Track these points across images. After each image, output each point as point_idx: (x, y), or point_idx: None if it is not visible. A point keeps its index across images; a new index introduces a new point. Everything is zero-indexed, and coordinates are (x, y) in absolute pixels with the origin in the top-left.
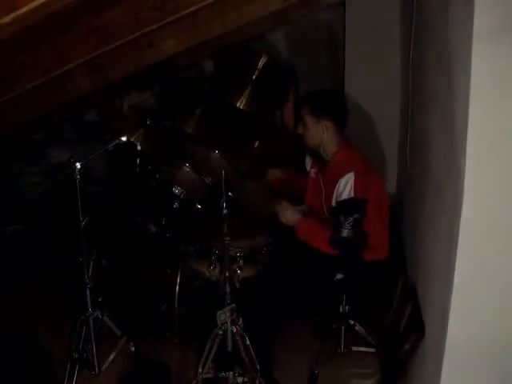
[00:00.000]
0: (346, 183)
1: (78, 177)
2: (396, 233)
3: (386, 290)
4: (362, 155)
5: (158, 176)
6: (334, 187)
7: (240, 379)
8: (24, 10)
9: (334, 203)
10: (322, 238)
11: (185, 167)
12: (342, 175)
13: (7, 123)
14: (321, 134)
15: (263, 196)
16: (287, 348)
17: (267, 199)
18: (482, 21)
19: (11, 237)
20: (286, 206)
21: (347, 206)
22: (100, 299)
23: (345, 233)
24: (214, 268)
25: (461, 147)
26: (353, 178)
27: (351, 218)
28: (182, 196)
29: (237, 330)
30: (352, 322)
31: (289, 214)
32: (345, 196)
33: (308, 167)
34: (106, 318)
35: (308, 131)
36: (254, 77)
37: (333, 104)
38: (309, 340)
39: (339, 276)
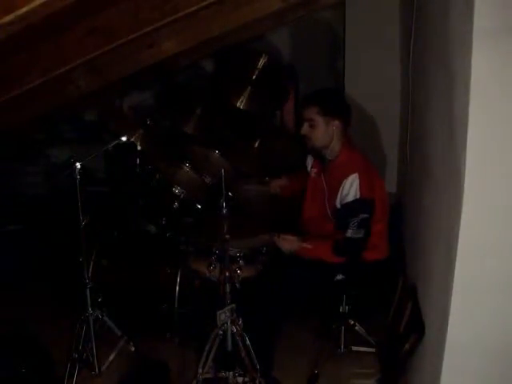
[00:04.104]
0: (351, 185)
1: (78, 177)
2: (396, 233)
3: (386, 290)
4: (363, 155)
5: (158, 176)
6: (338, 188)
7: (240, 379)
8: (24, 10)
9: (338, 205)
10: (325, 253)
11: (185, 167)
12: (345, 176)
13: (7, 123)
14: (331, 134)
15: (263, 196)
16: (287, 348)
17: (267, 199)
18: (482, 21)
19: (11, 237)
20: (283, 238)
21: (354, 207)
22: (100, 299)
23: (349, 233)
24: (214, 268)
25: (461, 147)
26: (357, 179)
27: (357, 219)
28: (181, 196)
29: (237, 329)
30: (352, 322)
31: (288, 245)
32: (351, 198)
33: (309, 167)
34: (106, 318)
35: (316, 131)
36: (254, 77)
37: (341, 103)
38: (309, 340)
39: (339, 277)
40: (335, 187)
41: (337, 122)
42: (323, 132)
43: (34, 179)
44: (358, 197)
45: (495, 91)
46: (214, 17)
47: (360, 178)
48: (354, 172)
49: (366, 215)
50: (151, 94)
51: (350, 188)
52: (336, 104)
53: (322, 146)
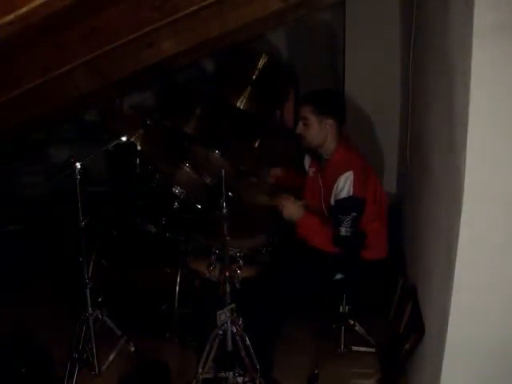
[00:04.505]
0: (345, 182)
1: (78, 177)
2: (396, 233)
3: (386, 290)
4: (360, 153)
5: (158, 176)
6: (332, 185)
7: (240, 379)
8: (24, 10)
9: (332, 202)
10: (324, 236)
11: (185, 167)
12: (340, 174)
13: (7, 123)
14: (324, 132)
15: (263, 195)
16: (287, 348)
17: (267, 199)
18: (482, 20)
19: (11, 237)
20: (290, 200)
21: (346, 204)
22: (100, 299)
23: (343, 231)
24: (214, 268)
25: (461, 147)
26: (352, 176)
27: (350, 217)
28: (181, 196)
29: (237, 329)
30: (352, 322)
31: (292, 209)
32: (344, 195)
33: (307, 166)
34: (106, 318)
35: (310, 130)
36: (254, 77)
37: (336, 103)
38: (309, 340)
39: (339, 276)
40: (330, 185)
41: (330, 121)
42: (317, 131)
43: (34, 179)
44: (350, 194)
45: (495, 91)
46: (213, 17)
47: (354, 176)
48: (348, 170)
49: (355, 214)
50: (151, 94)
51: (344, 184)
52: (330, 104)
53: (317, 145)
